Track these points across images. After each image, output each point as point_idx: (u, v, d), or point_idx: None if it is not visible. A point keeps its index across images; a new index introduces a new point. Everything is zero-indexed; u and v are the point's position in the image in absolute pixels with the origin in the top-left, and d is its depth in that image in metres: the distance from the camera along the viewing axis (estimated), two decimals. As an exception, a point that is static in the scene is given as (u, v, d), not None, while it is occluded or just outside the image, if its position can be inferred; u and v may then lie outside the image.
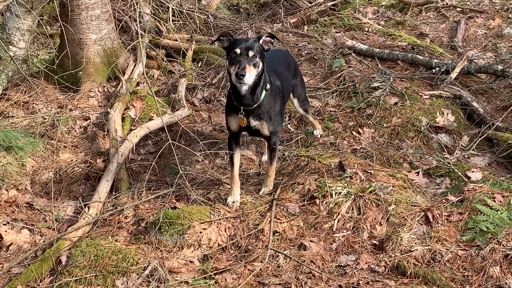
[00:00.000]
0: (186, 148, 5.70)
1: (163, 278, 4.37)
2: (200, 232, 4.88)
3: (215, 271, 4.54)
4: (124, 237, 4.88)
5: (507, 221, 4.54)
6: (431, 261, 4.46)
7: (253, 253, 4.70)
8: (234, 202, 5.15)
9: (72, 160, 5.90)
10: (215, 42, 5.08)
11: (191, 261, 4.69)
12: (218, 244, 4.84)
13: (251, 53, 4.60)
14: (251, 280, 4.42)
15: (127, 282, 4.35)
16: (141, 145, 6.18)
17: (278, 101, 5.07)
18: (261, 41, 4.73)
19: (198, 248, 4.78)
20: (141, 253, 4.63)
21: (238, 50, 4.59)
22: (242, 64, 4.55)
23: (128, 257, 4.53)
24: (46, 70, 6.54)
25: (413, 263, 4.42)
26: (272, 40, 4.83)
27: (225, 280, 4.46)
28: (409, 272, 4.36)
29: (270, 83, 4.98)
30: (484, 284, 4.23)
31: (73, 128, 6.31)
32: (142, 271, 4.44)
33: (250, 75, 4.60)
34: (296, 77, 5.78)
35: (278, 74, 5.26)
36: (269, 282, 4.39)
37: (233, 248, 4.81)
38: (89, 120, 6.48)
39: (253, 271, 4.51)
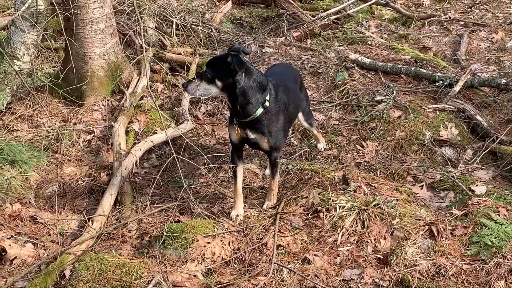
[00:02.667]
0: (190, 161, 5.71)
1: (167, 292, 4.36)
2: (204, 246, 4.87)
3: (219, 285, 4.53)
4: (127, 251, 4.87)
5: (511, 235, 4.53)
6: (436, 275, 4.44)
7: (257, 267, 4.69)
8: (237, 216, 5.14)
9: (76, 174, 5.91)
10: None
11: (195, 275, 4.68)
12: (222, 258, 4.83)
13: (204, 68, 4.87)
14: (256, 295, 4.41)
15: (131, 297, 4.35)
16: (145, 158, 6.19)
17: (282, 117, 5.06)
18: (228, 58, 4.74)
19: (201, 262, 4.77)
20: (145, 267, 4.62)
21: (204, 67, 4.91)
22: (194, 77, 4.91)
23: (131, 271, 4.52)
24: (51, 84, 6.56)
25: (417, 277, 4.40)
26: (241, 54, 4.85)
27: (230, 295, 4.45)
28: (413, 287, 4.34)
29: (275, 99, 5.01)
30: (491, 292, 4.22)
31: (77, 142, 6.33)
32: (146, 285, 4.43)
33: (197, 88, 4.86)
34: (301, 91, 5.79)
35: (287, 89, 5.28)
36: (272, 295, 4.38)
37: (236, 262, 4.80)
38: (93, 134, 6.49)
39: (257, 285, 4.49)
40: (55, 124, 6.49)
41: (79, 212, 5.40)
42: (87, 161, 6.10)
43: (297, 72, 6.07)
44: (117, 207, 5.39)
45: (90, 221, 5.05)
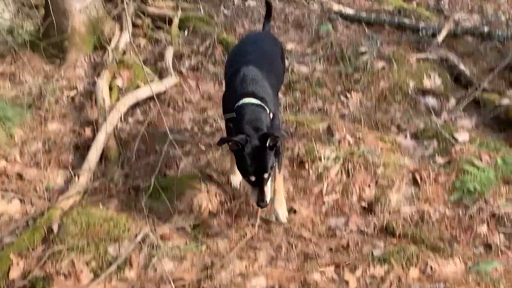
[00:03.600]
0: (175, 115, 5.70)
1: (155, 244, 4.40)
2: (191, 199, 4.90)
3: (207, 237, 4.58)
4: (115, 205, 4.89)
5: (494, 181, 4.60)
6: (419, 221, 4.53)
7: (244, 218, 4.73)
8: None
9: (60, 130, 5.88)
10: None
11: (182, 228, 4.72)
12: (209, 210, 4.87)
13: (266, 176, 4.10)
14: (243, 245, 4.46)
15: (119, 249, 4.38)
16: (129, 114, 6.16)
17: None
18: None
19: (189, 214, 4.81)
20: (132, 220, 4.66)
21: (252, 178, 4.10)
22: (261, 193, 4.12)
23: (119, 225, 4.55)
24: (32, 41, 6.47)
25: (401, 224, 4.48)
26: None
27: (217, 245, 4.50)
28: (397, 233, 4.42)
29: None
30: (472, 242, 4.30)
31: (61, 99, 6.27)
32: (134, 238, 4.47)
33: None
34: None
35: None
36: (260, 246, 4.43)
37: (223, 214, 4.84)
38: (76, 90, 6.43)
39: (244, 236, 4.55)
40: (38, 81, 6.42)
41: (65, 168, 5.39)
42: (71, 118, 6.06)
43: (279, 42, 5.49)
44: (103, 162, 5.38)
45: (77, 177, 5.05)
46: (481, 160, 4.82)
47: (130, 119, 6.12)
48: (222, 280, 4.08)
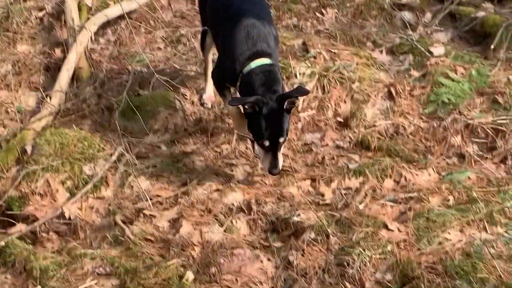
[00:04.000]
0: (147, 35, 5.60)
1: (131, 162, 4.38)
2: (166, 118, 4.88)
3: (183, 155, 4.58)
4: (88, 125, 4.86)
5: (468, 92, 4.62)
6: (395, 134, 4.55)
7: (219, 136, 4.72)
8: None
9: (30, 52, 5.75)
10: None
11: (158, 146, 4.71)
12: (185, 128, 4.85)
13: (281, 140, 3.88)
14: (220, 162, 4.47)
15: (94, 168, 4.37)
16: (100, 34, 6.01)
17: None
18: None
19: (164, 133, 4.79)
20: (107, 139, 4.63)
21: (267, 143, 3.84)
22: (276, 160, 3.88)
23: (94, 144, 4.53)
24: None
25: (377, 137, 4.50)
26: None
27: (193, 162, 4.50)
28: (373, 146, 4.45)
29: None
30: (445, 153, 4.34)
31: (29, 19, 6.10)
32: (109, 157, 4.45)
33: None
34: None
35: None
36: (237, 162, 4.44)
37: (199, 132, 4.83)
38: (44, 10, 6.24)
39: (220, 153, 4.55)
40: (4, 1, 6.22)
41: (36, 89, 5.31)
42: (41, 39, 5.92)
43: None
44: (74, 82, 5.30)
45: (48, 98, 4.97)
46: (456, 72, 4.81)
47: (101, 39, 5.99)
48: (199, 196, 4.10)
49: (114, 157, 4.43)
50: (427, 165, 4.21)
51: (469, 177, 4.06)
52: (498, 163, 4.25)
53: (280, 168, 3.92)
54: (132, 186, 4.28)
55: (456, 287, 3.17)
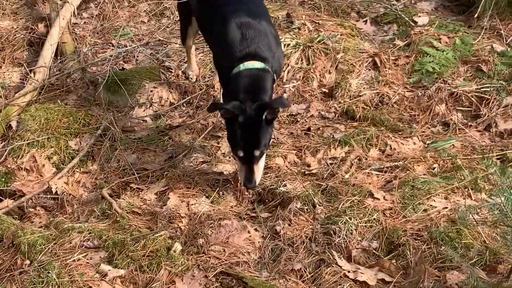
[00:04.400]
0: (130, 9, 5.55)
1: (117, 136, 4.38)
2: (151, 91, 4.87)
3: (169, 128, 4.58)
4: (73, 100, 4.83)
5: (452, 61, 4.63)
6: (379, 104, 4.57)
7: (205, 108, 4.72)
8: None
9: (12, 27, 5.69)
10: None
11: (143, 120, 4.70)
12: (170, 102, 4.85)
13: (257, 153, 3.53)
14: (205, 134, 4.47)
15: (80, 142, 4.36)
16: (83, 8, 5.96)
17: None
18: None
19: (149, 107, 4.78)
20: (92, 114, 4.62)
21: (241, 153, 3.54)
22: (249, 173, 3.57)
23: (79, 119, 4.52)
24: None
25: (362, 107, 4.52)
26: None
27: (179, 135, 4.50)
28: (358, 116, 4.46)
29: None
30: (430, 122, 4.37)
31: (10, -6, 6.05)
32: (95, 131, 4.44)
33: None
34: None
35: None
36: (223, 134, 4.44)
37: (184, 105, 4.82)
38: (26, -15, 6.19)
39: (206, 126, 4.55)
40: (-16, -23, 6.15)
41: (19, 65, 5.27)
42: (23, 14, 5.86)
43: None
44: (58, 58, 5.26)
45: (32, 73, 4.93)
46: (440, 41, 4.82)
47: (84, 14, 5.94)
48: (186, 169, 4.11)
49: (99, 132, 4.43)
50: (412, 134, 4.24)
51: (453, 145, 4.09)
52: (482, 130, 4.28)
53: (257, 183, 3.59)
54: (118, 160, 4.28)
55: (442, 253, 3.20)
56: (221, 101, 4.12)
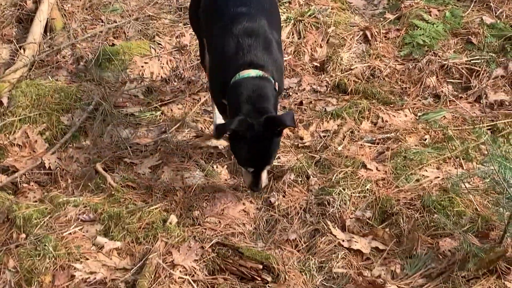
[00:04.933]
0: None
1: (109, 112, 4.38)
2: (142, 66, 4.86)
3: (161, 103, 4.58)
4: (64, 77, 4.82)
5: (442, 33, 4.66)
6: (371, 77, 4.59)
7: (197, 83, 4.72)
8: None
9: (1, 4, 5.62)
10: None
11: (135, 95, 4.70)
12: (161, 77, 4.84)
13: (267, 168, 3.43)
14: (198, 109, 4.48)
15: (72, 118, 4.36)
16: (72, -17, 5.92)
17: None
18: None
19: (141, 82, 4.77)
20: (84, 90, 4.61)
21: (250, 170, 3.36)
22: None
23: (70, 95, 4.50)
24: None
25: (353, 81, 4.54)
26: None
27: (171, 110, 4.51)
28: (350, 89, 4.48)
29: None
30: (421, 94, 4.40)
31: (-3, -28, 5.97)
32: (87, 107, 4.43)
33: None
34: None
35: None
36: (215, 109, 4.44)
37: (176, 80, 4.82)
38: (12, -38, 6.12)
39: (198, 100, 4.56)
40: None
41: (9, 41, 5.22)
42: (11, -10, 5.81)
43: None
44: (48, 34, 5.22)
45: (22, 49, 4.89)
46: (430, 14, 4.84)
47: (73, -11, 5.89)
48: (179, 143, 4.12)
49: (91, 107, 4.42)
50: (403, 106, 4.27)
51: (444, 117, 4.14)
52: (472, 102, 4.32)
53: (263, 186, 3.45)
54: (111, 135, 4.28)
55: (434, 221, 3.25)
56: (217, 116, 3.98)
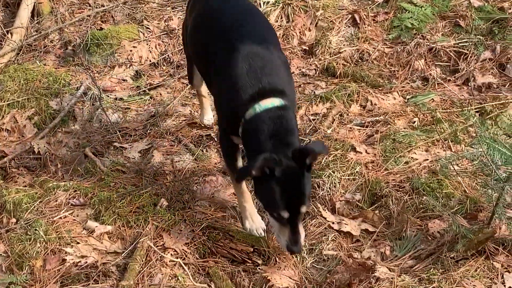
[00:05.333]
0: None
1: (98, 96, 4.36)
2: (131, 51, 4.84)
3: (150, 87, 4.57)
4: (52, 61, 4.80)
5: (430, 16, 4.67)
6: (359, 60, 4.60)
7: (185, 67, 4.70)
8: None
9: (-14, -11, 5.60)
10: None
11: (124, 79, 4.69)
12: (150, 61, 4.83)
13: (303, 209, 2.88)
14: (187, 93, 4.48)
15: (61, 103, 4.34)
16: (59, -33, 5.87)
17: None
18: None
19: (129, 66, 4.76)
20: (72, 74, 4.59)
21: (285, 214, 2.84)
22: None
23: (59, 79, 4.49)
24: None
25: (342, 64, 4.55)
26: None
27: (160, 94, 4.50)
28: (338, 73, 4.50)
29: None
30: (410, 77, 4.42)
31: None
32: (75, 91, 4.42)
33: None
34: None
35: None
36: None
37: (165, 64, 4.81)
38: None
39: (187, 84, 4.55)
40: None
41: (-4, 26, 5.20)
42: (-4, -25, 5.75)
43: None
44: (35, 18, 5.19)
45: (10, 34, 4.87)
46: (418, -3, 4.87)
47: (60, -27, 5.84)
48: (168, 127, 4.11)
49: (80, 92, 4.41)
50: (392, 89, 4.28)
51: (433, 99, 4.15)
52: (460, 85, 4.35)
53: (303, 244, 2.95)
54: (100, 120, 4.27)
55: (423, 203, 3.28)
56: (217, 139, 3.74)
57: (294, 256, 3.09)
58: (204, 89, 3.93)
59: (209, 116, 4.04)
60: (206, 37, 3.26)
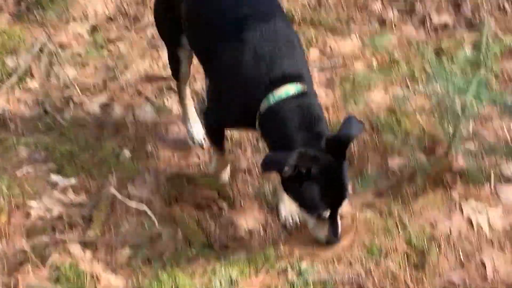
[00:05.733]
0: None
1: (54, 52, 4.30)
2: (85, 4, 4.75)
3: (107, 41, 4.51)
4: (6, 19, 4.69)
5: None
6: (317, 6, 4.59)
7: (143, 19, 4.65)
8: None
9: None
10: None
11: (80, 34, 4.61)
12: (105, 14, 4.75)
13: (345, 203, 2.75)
14: (146, 45, 4.44)
15: (17, 60, 4.27)
16: None
17: None
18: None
19: (85, 20, 4.68)
20: (27, 31, 4.50)
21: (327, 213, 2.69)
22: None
23: (13, 37, 4.41)
24: None
25: (300, 10, 4.53)
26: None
27: (118, 48, 4.45)
28: (297, 18, 4.47)
29: None
30: (367, 20, 4.43)
31: None
32: (31, 48, 4.34)
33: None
34: None
35: None
36: (163, 44, 4.40)
37: (121, 17, 4.74)
38: None
39: (143, 37, 4.51)
40: None
41: None
42: None
43: None
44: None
45: (-42, -8, 4.74)
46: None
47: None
48: (128, 80, 4.09)
49: (36, 48, 4.34)
50: (350, 32, 4.30)
51: (390, 41, 4.19)
52: (417, 25, 4.38)
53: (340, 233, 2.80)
54: (58, 76, 4.21)
55: (383, 141, 3.34)
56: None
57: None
58: (189, 91, 3.62)
59: (198, 129, 3.52)
60: (208, 18, 2.94)
